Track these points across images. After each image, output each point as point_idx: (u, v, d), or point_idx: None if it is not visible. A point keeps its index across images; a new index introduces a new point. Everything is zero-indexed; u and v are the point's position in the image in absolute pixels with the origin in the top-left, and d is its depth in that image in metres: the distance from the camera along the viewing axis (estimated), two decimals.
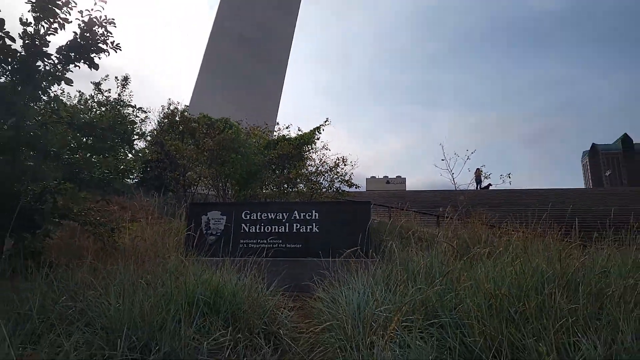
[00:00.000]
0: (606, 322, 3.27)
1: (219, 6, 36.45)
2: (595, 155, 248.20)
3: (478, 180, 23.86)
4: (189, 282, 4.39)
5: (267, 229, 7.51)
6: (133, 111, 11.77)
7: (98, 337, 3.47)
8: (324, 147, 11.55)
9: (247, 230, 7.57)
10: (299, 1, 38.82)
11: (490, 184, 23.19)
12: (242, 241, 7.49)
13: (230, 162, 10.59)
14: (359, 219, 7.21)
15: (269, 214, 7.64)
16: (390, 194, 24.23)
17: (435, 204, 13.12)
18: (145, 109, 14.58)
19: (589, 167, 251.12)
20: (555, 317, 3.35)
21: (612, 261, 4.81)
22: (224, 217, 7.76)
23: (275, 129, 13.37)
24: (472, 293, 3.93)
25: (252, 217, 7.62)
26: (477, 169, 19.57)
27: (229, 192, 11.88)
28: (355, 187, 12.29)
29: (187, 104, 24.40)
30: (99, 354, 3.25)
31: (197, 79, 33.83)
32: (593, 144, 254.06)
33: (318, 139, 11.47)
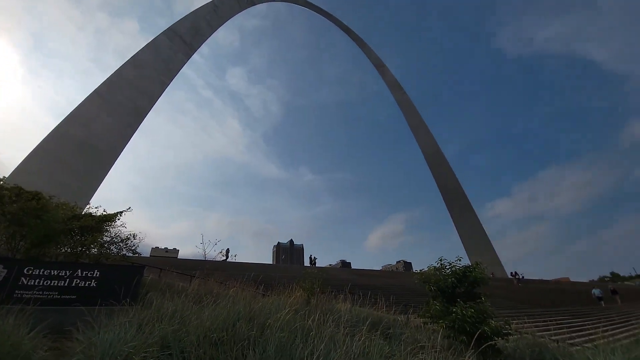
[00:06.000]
0: (264, 340, 3.25)
1: (71, 114, 27.53)
2: (278, 248, 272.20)
3: (226, 256, 24.35)
4: None
5: (47, 282, 4.98)
6: None
7: None
8: (122, 225, 9.01)
9: (25, 282, 4.87)
10: (139, 123, 32.59)
11: (226, 259, 22.93)
12: (17, 292, 4.77)
13: (30, 225, 7.11)
14: (132, 278, 5.45)
15: (52, 270, 5.12)
16: (166, 260, 20.13)
17: (193, 268, 11.54)
18: None
19: (275, 253, 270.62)
20: (239, 339, 3.18)
21: (274, 304, 4.97)
22: (5, 270, 4.91)
23: (87, 208, 9.94)
24: (197, 328, 3.42)
25: (34, 273, 4.95)
26: (227, 248, 21.50)
27: (21, 250, 7.77)
28: (138, 255, 9.79)
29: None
30: None
31: (25, 160, 23.45)
32: (278, 242, 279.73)
33: (119, 219, 8.95)
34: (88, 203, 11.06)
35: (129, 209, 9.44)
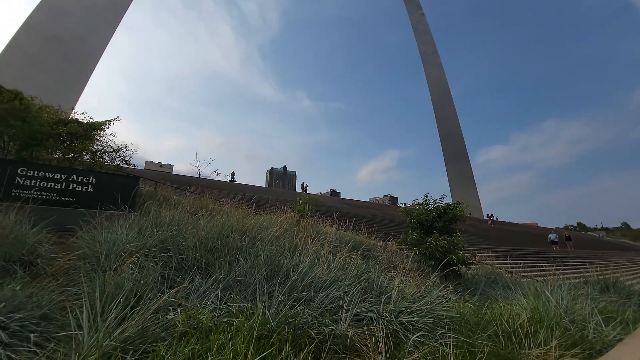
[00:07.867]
0: (254, 250, 3.59)
1: (37, 7, 23.97)
2: (271, 172, 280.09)
3: (232, 178, 26.88)
4: None
5: (44, 184, 5.15)
6: None
7: None
8: (112, 135, 8.83)
9: (21, 182, 5.02)
10: (118, 19, 28.99)
11: (232, 181, 24.18)
12: (14, 190, 4.95)
13: (15, 127, 6.90)
14: (129, 187, 5.74)
15: (46, 173, 5.24)
16: (160, 174, 20.57)
17: (188, 183, 11.93)
18: None
19: (268, 177, 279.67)
20: (232, 248, 3.52)
21: (265, 221, 5.34)
22: None
23: (73, 113, 9.57)
24: (193, 235, 3.73)
25: (29, 174, 5.07)
26: (233, 172, 23.21)
27: (12, 151, 7.74)
28: (132, 166, 9.92)
29: None
30: None
31: None
32: (272, 167, 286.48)
33: (108, 127, 8.73)
34: (72, 108, 10.54)
35: (117, 118, 9.14)
